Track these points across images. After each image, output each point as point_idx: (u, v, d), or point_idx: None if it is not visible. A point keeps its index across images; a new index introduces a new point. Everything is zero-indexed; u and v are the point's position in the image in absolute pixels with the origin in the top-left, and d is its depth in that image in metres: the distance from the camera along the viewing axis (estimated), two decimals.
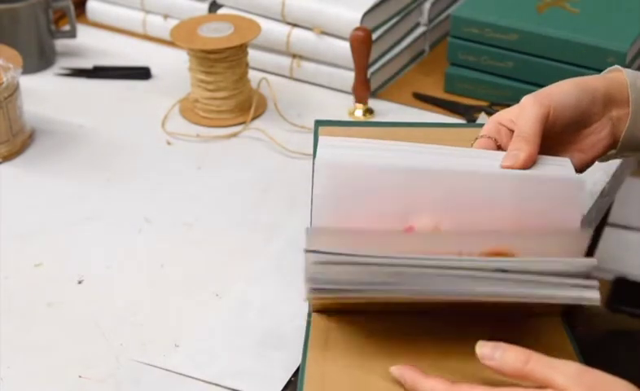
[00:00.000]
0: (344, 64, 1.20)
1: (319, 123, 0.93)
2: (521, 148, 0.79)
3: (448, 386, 0.70)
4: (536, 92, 0.83)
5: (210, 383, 0.80)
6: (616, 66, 0.87)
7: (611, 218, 1.70)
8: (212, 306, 0.88)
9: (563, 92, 0.83)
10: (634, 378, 0.79)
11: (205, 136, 1.14)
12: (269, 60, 1.25)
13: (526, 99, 0.82)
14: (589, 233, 0.75)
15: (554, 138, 0.84)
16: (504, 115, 0.83)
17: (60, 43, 1.32)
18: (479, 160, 0.79)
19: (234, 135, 1.14)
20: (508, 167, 0.78)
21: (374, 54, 1.17)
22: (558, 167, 0.80)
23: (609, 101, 0.84)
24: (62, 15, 1.36)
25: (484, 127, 0.83)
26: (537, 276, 0.72)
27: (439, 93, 1.21)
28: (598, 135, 0.85)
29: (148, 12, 1.36)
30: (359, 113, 1.17)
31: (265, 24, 1.21)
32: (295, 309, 0.86)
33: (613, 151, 0.86)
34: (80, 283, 0.91)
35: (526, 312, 0.80)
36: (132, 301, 0.89)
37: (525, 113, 0.81)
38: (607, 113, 0.85)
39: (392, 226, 0.75)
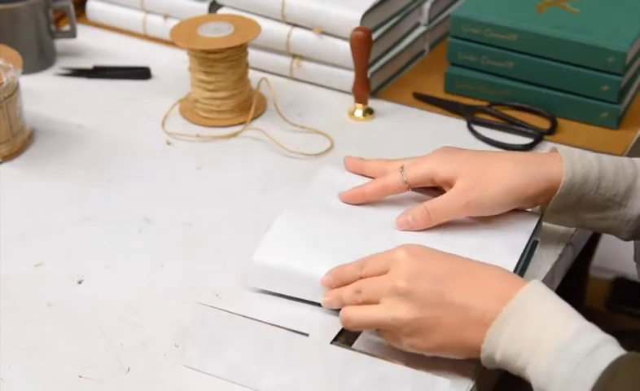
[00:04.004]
0: (344, 64, 1.20)
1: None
2: (418, 222, 0.89)
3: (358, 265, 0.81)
4: (470, 190, 0.88)
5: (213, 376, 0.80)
6: (557, 150, 0.90)
7: None
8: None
9: (494, 205, 0.88)
10: None
11: (205, 136, 1.14)
12: (269, 60, 1.25)
13: (462, 193, 0.88)
14: None
15: None
16: (440, 174, 0.90)
17: (60, 43, 1.32)
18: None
19: (234, 135, 1.14)
20: (403, 225, 0.90)
21: (374, 54, 1.17)
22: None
23: (539, 196, 0.89)
24: (62, 15, 1.36)
25: (414, 175, 0.92)
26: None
27: (439, 93, 1.21)
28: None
29: (148, 12, 1.36)
30: (359, 113, 1.17)
31: (265, 24, 1.21)
32: (294, 308, 0.86)
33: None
34: (80, 283, 0.91)
35: None
36: (132, 301, 0.89)
37: (451, 204, 0.89)
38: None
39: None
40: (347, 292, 0.81)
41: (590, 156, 0.89)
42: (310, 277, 0.85)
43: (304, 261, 0.86)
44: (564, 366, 0.69)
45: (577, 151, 0.90)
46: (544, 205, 0.89)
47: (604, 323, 1.10)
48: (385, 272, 0.79)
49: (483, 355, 0.75)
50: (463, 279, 0.76)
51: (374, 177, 0.94)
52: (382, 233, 0.89)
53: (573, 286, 1.20)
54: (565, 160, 0.87)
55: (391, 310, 0.77)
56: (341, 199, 0.93)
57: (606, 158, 0.89)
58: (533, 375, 0.72)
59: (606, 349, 0.70)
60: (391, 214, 0.92)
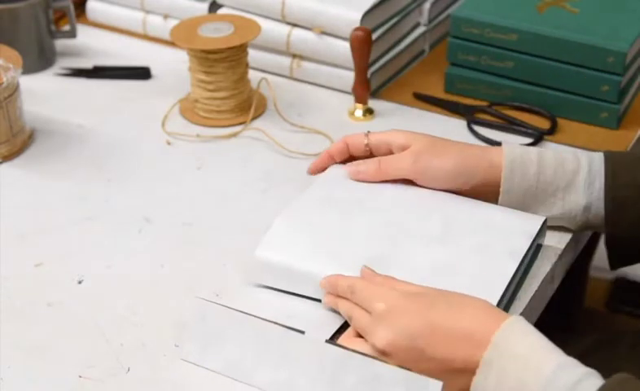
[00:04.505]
0: (344, 64, 1.20)
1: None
2: (369, 172, 0.95)
3: (366, 281, 0.82)
4: (421, 154, 0.93)
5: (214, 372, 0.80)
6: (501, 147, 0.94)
7: None
8: None
9: (441, 174, 0.93)
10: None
11: (205, 136, 1.14)
12: (269, 60, 1.25)
13: (413, 155, 0.93)
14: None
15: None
16: (397, 140, 0.95)
17: (60, 43, 1.32)
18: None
19: (234, 135, 1.14)
20: (353, 174, 0.96)
21: (374, 54, 1.17)
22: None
23: (485, 182, 0.93)
24: (62, 15, 1.36)
25: (375, 139, 0.97)
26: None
27: (439, 93, 1.21)
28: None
29: (148, 12, 1.36)
30: (359, 113, 1.17)
31: (265, 24, 1.21)
32: (294, 305, 0.86)
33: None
34: (80, 283, 0.91)
35: None
36: (132, 301, 0.89)
37: (401, 161, 0.94)
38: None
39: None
40: (343, 305, 0.82)
41: (533, 152, 0.93)
42: (311, 273, 0.85)
43: (306, 257, 0.87)
44: None
45: (523, 147, 0.95)
46: (491, 196, 0.93)
47: (604, 323, 1.10)
48: (369, 311, 0.80)
49: None
50: (441, 334, 0.76)
51: (354, 154, 0.99)
52: (383, 231, 0.90)
53: (573, 286, 1.20)
54: (506, 151, 0.93)
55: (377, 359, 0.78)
56: (310, 171, 0.99)
57: (548, 154, 0.93)
58: None
59: (588, 383, 0.70)
60: (392, 213, 0.92)
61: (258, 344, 0.79)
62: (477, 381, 0.74)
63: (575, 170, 0.92)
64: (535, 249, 0.91)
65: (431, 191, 0.95)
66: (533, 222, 0.91)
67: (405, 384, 0.75)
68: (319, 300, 0.85)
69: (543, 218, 0.91)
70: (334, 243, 0.88)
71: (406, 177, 0.94)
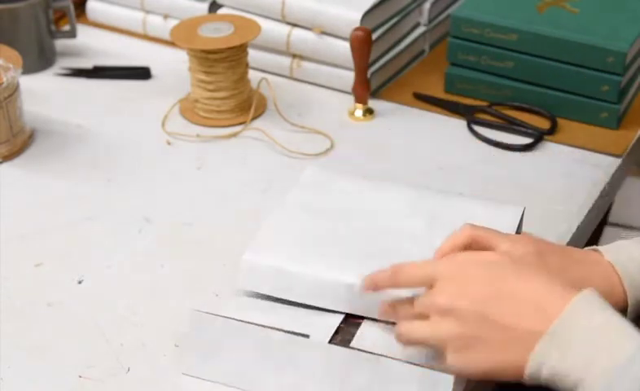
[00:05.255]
0: (344, 64, 1.20)
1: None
2: None
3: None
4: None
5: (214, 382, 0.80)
6: (597, 250, 0.83)
7: (611, 218, 1.70)
8: (212, 306, 0.88)
9: None
10: None
11: (205, 136, 1.14)
12: (269, 60, 1.25)
13: None
14: None
15: None
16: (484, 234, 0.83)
17: (60, 43, 1.32)
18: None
19: (234, 135, 1.14)
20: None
21: (374, 54, 1.17)
22: None
23: None
24: (62, 15, 1.36)
25: (460, 237, 0.82)
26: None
27: (439, 93, 1.21)
28: None
29: (148, 12, 1.36)
30: (359, 113, 1.17)
31: (265, 24, 1.21)
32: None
33: None
34: (80, 283, 0.91)
35: None
36: (132, 301, 0.89)
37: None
38: None
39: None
40: (401, 307, 0.80)
41: (631, 245, 0.83)
42: (301, 275, 0.85)
43: (295, 259, 0.86)
44: (624, 385, 0.66)
45: (625, 253, 0.82)
46: None
47: None
48: (427, 284, 0.77)
49: (528, 371, 0.71)
50: (507, 301, 0.73)
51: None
52: (369, 231, 0.90)
53: None
54: (625, 280, 0.81)
55: (434, 329, 0.75)
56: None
57: None
58: None
59: None
60: (377, 213, 0.92)
61: (260, 351, 0.79)
62: (537, 352, 0.70)
63: None
64: None
65: (413, 188, 0.95)
66: (514, 212, 0.92)
67: (416, 379, 0.74)
68: (307, 306, 0.85)
69: (522, 208, 0.92)
70: (321, 245, 0.88)
71: None
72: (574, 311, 0.70)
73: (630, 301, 0.80)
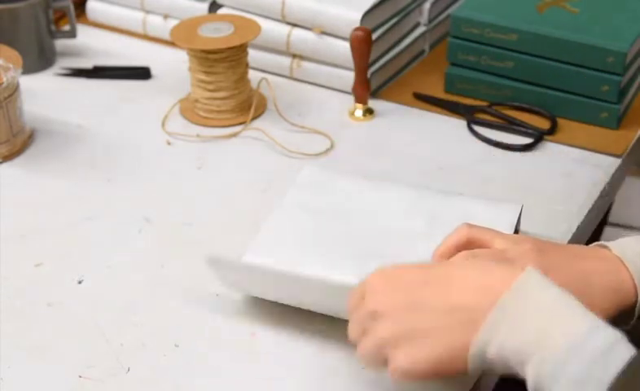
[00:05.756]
0: (344, 64, 1.20)
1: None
2: None
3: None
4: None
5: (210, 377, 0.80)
6: (605, 245, 0.80)
7: (611, 218, 1.70)
8: (212, 306, 0.88)
9: None
10: None
11: (205, 136, 1.14)
12: (269, 60, 1.25)
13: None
14: None
15: None
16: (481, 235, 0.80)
17: (60, 43, 1.32)
18: None
19: (234, 135, 1.14)
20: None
21: (374, 54, 1.17)
22: None
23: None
24: (62, 15, 1.36)
25: (455, 237, 0.80)
26: None
27: (439, 93, 1.21)
28: None
29: (148, 12, 1.36)
30: (359, 113, 1.17)
31: (265, 24, 1.21)
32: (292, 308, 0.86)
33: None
34: (80, 283, 0.91)
35: None
36: (132, 301, 0.89)
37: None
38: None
39: None
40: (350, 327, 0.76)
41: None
42: (300, 280, 0.84)
43: (294, 263, 0.86)
44: (577, 364, 0.63)
45: (630, 249, 0.79)
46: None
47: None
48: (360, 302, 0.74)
49: (472, 351, 0.67)
50: (443, 284, 0.70)
51: None
52: (368, 231, 0.90)
53: None
54: (633, 272, 0.77)
55: (372, 336, 0.71)
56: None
57: None
58: (536, 371, 0.64)
59: (622, 347, 0.63)
60: (376, 213, 0.92)
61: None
62: (485, 327, 0.66)
63: None
64: None
65: (413, 188, 0.96)
66: (512, 210, 0.92)
67: None
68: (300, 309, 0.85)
69: (520, 206, 0.93)
70: (321, 245, 0.88)
71: None
72: (524, 284, 0.67)
73: None
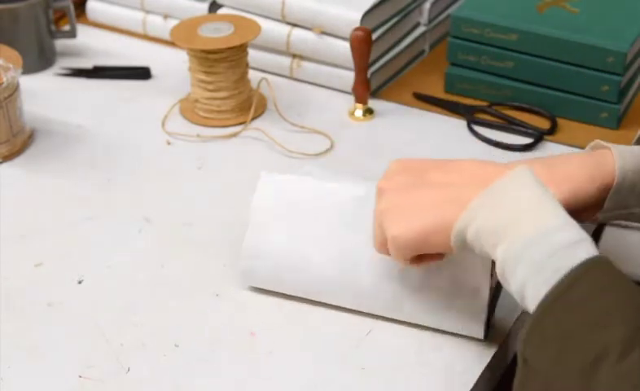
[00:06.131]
0: (344, 64, 1.20)
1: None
2: None
3: None
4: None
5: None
6: (602, 144, 0.85)
7: None
8: (212, 306, 0.88)
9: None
10: None
11: (205, 136, 1.14)
12: (269, 60, 1.25)
13: None
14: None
15: None
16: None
17: (60, 43, 1.32)
18: None
19: (234, 135, 1.14)
20: None
21: (374, 54, 1.17)
22: None
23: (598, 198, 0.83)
24: (62, 15, 1.36)
25: None
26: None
27: (439, 93, 1.21)
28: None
29: (148, 12, 1.36)
30: (359, 113, 1.17)
31: (265, 24, 1.21)
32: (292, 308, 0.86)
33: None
34: (80, 283, 0.91)
35: None
36: (132, 301, 0.89)
37: None
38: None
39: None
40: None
41: (637, 149, 0.85)
42: (298, 276, 0.86)
43: (287, 260, 0.87)
44: (539, 251, 0.67)
45: (623, 146, 0.85)
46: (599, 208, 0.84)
47: None
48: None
49: (455, 229, 0.73)
50: (447, 168, 0.77)
51: None
52: (354, 223, 0.87)
53: None
54: (616, 156, 0.83)
55: (377, 209, 0.79)
56: None
57: None
58: (503, 253, 0.69)
59: (585, 246, 0.68)
60: (361, 206, 0.88)
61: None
62: (469, 209, 0.72)
63: None
64: None
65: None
66: None
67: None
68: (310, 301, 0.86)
69: None
70: (305, 245, 0.87)
71: None
72: (513, 178, 0.72)
73: (618, 179, 0.81)
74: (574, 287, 0.66)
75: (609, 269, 0.67)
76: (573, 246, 0.67)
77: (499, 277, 0.71)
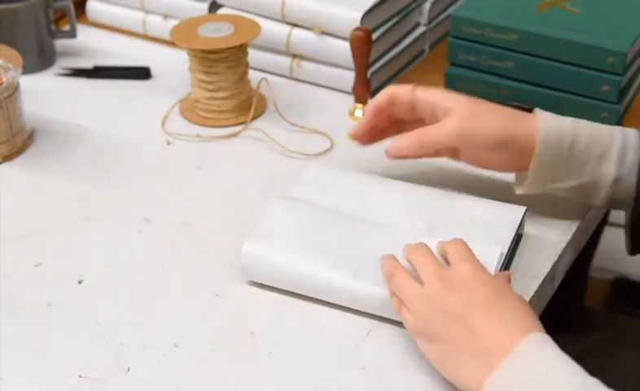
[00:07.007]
0: (344, 64, 1.20)
1: None
2: (411, 146, 0.96)
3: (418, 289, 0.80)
4: (465, 121, 0.93)
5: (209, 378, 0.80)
6: (539, 113, 0.93)
7: (611, 218, 1.70)
8: (212, 306, 0.88)
9: (484, 141, 0.92)
10: (635, 379, 0.78)
11: (205, 136, 1.14)
12: (269, 60, 1.25)
13: (456, 122, 0.93)
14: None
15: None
16: (442, 102, 0.94)
17: (60, 43, 1.32)
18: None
19: (234, 135, 1.14)
20: (394, 151, 0.98)
21: (374, 54, 1.17)
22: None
23: (521, 151, 0.92)
24: (62, 15, 1.36)
25: (422, 91, 0.97)
26: None
27: None
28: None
29: (148, 12, 1.36)
30: (359, 113, 1.17)
31: (265, 24, 1.21)
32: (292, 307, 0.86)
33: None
34: (80, 283, 0.91)
35: None
36: (132, 301, 0.89)
37: (443, 129, 0.93)
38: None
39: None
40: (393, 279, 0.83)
41: (567, 120, 0.92)
42: (297, 273, 0.86)
43: (293, 251, 0.88)
44: None
45: (558, 116, 0.94)
46: (522, 169, 0.93)
47: (604, 323, 1.10)
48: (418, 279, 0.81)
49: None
50: (485, 311, 0.76)
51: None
52: (370, 229, 0.90)
53: (573, 286, 1.20)
54: (540, 120, 0.92)
55: (416, 317, 0.80)
56: (351, 135, 1.02)
57: (582, 123, 0.93)
58: None
59: None
60: (378, 211, 0.93)
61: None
62: (487, 387, 0.72)
63: (609, 141, 0.91)
64: (517, 239, 0.92)
65: (413, 187, 0.97)
66: (515, 213, 0.92)
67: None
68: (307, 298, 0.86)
69: (524, 208, 0.93)
70: (320, 239, 0.89)
71: (449, 146, 0.94)
72: (524, 351, 0.72)
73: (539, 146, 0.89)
74: None
75: None
76: None
77: None
